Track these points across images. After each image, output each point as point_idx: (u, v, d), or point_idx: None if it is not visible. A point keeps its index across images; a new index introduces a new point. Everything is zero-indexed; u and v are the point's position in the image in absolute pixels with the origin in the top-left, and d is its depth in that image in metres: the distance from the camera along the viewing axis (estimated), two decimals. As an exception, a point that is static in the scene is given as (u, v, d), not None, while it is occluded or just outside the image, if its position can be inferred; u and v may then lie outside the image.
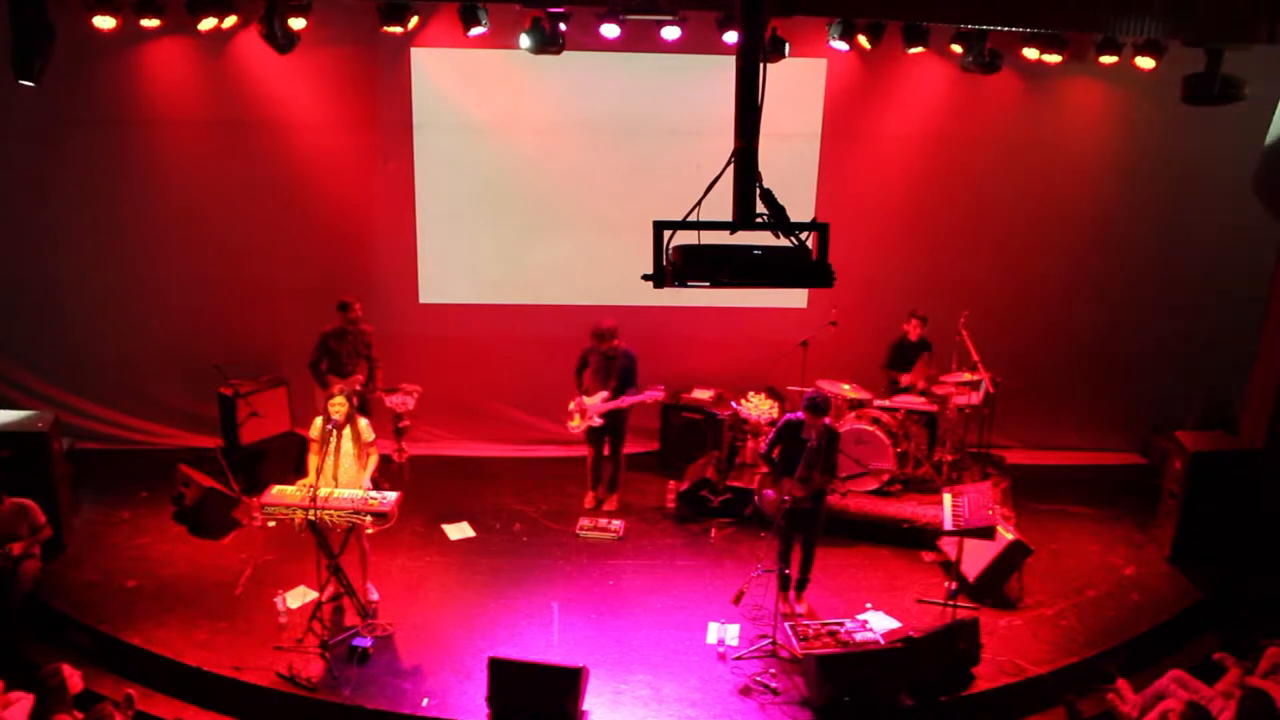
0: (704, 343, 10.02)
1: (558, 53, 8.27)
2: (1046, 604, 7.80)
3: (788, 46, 8.57)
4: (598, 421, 8.63)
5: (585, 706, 6.47)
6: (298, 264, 9.63)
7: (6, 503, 7.24)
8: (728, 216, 4.60)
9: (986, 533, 7.18)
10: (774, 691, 6.70)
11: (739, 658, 7.03)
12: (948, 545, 7.99)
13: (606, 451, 8.92)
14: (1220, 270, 9.85)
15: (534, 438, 10.06)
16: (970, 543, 7.47)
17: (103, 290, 9.56)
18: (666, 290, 4.65)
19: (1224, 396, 10.29)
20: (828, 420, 7.17)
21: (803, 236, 4.59)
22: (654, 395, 8.72)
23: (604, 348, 8.51)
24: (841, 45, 8.58)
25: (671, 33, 8.64)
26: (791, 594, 7.54)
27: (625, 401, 8.59)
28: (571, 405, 8.73)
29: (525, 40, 8.19)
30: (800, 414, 7.18)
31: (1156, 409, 10.35)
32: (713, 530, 8.76)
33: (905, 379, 9.38)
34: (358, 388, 8.52)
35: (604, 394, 8.57)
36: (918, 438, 9.26)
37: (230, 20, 8.23)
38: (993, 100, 9.41)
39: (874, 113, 9.61)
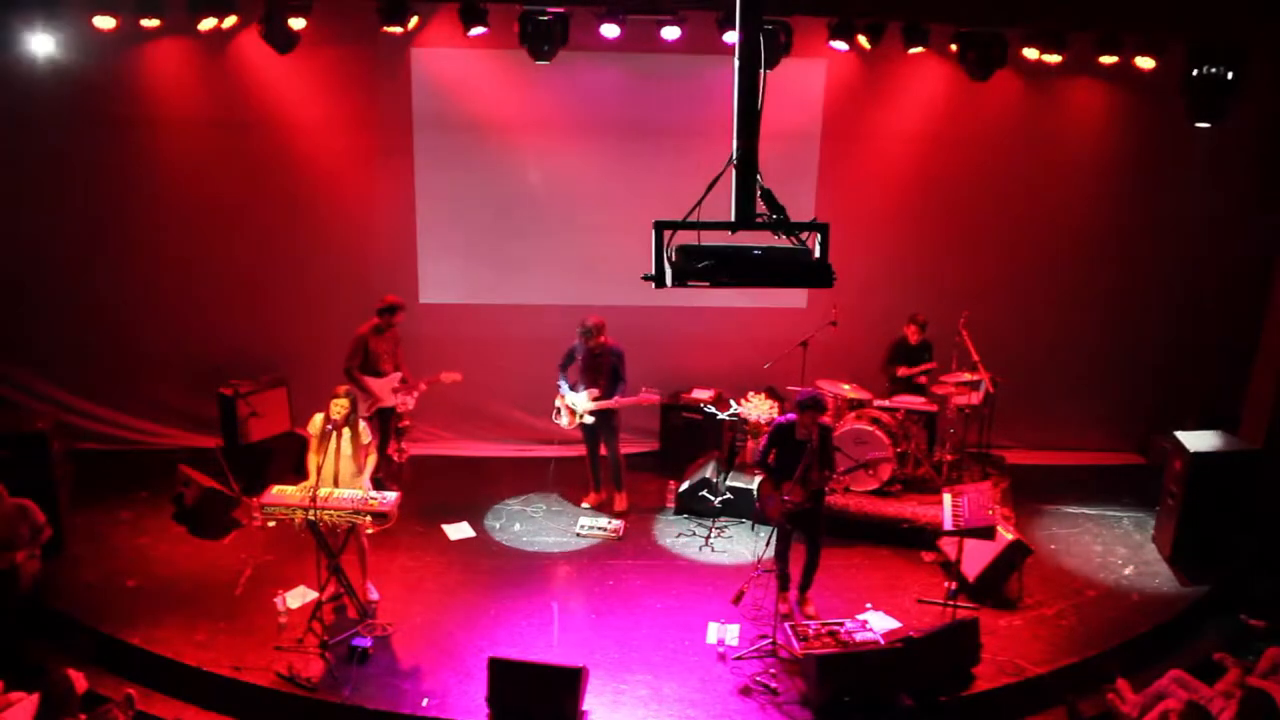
0: (704, 343, 10.02)
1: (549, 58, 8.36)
2: (1046, 604, 7.80)
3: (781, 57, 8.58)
4: (588, 419, 8.63)
5: (585, 706, 6.46)
6: (298, 264, 9.65)
7: (7, 503, 7.24)
8: (728, 216, 4.60)
9: (986, 533, 7.18)
10: (774, 691, 6.70)
11: (739, 658, 7.03)
12: (948, 545, 7.99)
13: (603, 450, 8.89)
14: (1221, 269, 9.86)
15: (534, 438, 10.05)
16: (970, 543, 7.48)
17: (103, 290, 9.57)
18: (666, 290, 4.65)
19: (1224, 396, 10.30)
20: (823, 418, 7.17)
21: (803, 236, 4.59)
22: (649, 399, 8.69)
23: (590, 344, 8.43)
24: (841, 45, 8.58)
25: (671, 33, 8.65)
26: (794, 595, 7.53)
27: (618, 403, 8.57)
28: (559, 402, 8.69)
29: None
30: (791, 416, 7.18)
31: (1156, 409, 10.35)
32: (713, 530, 8.76)
33: (904, 370, 9.37)
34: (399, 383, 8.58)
35: (593, 391, 8.53)
36: (918, 438, 9.27)
37: (230, 20, 8.25)
38: (993, 100, 9.40)
39: (874, 113, 9.62)
